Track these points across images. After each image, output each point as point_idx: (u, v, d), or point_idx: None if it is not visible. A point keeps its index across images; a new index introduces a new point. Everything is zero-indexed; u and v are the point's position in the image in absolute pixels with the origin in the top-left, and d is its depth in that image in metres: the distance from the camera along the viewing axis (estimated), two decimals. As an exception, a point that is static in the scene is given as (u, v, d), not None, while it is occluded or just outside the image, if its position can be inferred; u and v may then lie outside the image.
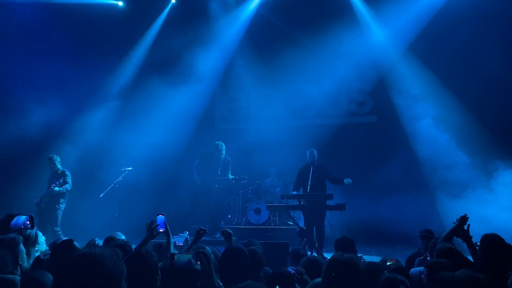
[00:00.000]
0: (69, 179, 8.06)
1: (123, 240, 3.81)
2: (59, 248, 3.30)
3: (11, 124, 9.20)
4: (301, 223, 7.79)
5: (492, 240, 3.53)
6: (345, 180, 7.41)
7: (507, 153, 8.01)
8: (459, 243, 3.95)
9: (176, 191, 9.72)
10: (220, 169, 8.74)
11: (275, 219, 9.36)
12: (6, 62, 9.15)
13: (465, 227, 3.94)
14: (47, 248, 3.87)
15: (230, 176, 8.75)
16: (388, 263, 3.89)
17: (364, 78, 10.20)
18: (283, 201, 8.15)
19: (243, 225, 9.13)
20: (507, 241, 3.60)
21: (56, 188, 7.89)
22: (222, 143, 8.78)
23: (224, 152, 8.75)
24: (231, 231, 4.44)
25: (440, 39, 9.17)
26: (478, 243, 3.74)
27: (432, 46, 9.21)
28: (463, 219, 3.93)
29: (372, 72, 9.89)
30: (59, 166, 8.15)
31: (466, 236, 3.90)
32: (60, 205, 7.98)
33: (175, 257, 2.72)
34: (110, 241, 3.84)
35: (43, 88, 9.45)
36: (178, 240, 7.41)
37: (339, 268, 2.58)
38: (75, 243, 3.34)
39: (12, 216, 2.98)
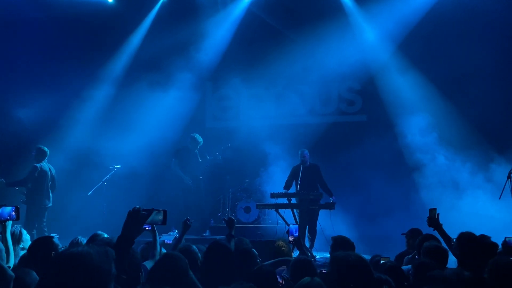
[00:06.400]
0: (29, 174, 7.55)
1: (107, 238, 3.76)
2: (37, 245, 3.23)
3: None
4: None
5: (467, 240, 3.74)
6: (331, 198, 7.62)
7: (500, 151, 8.15)
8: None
9: (165, 190, 9.63)
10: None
11: (264, 218, 9.33)
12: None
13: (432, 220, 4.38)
14: None
15: (208, 157, 8.58)
16: (382, 261, 3.91)
17: (354, 77, 10.21)
18: (273, 199, 8.13)
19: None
20: (495, 235, 3.90)
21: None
22: (198, 135, 8.44)
23: (199, 145, 8.33)
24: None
25: (430, 38, 9.21)
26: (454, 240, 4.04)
27: (423, 45, 9.24)
28: (430, 211, 4.42)
29: (362, 71, 9.90)
30: (34, 159, 7.69)
31: (436, 225, 4.33)
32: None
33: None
34: (94, 239, 3.80)
35: (30, 84, 9.31)
36: (167, 238, 7.36)
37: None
38: (54, 239, 3.27)
39: None
